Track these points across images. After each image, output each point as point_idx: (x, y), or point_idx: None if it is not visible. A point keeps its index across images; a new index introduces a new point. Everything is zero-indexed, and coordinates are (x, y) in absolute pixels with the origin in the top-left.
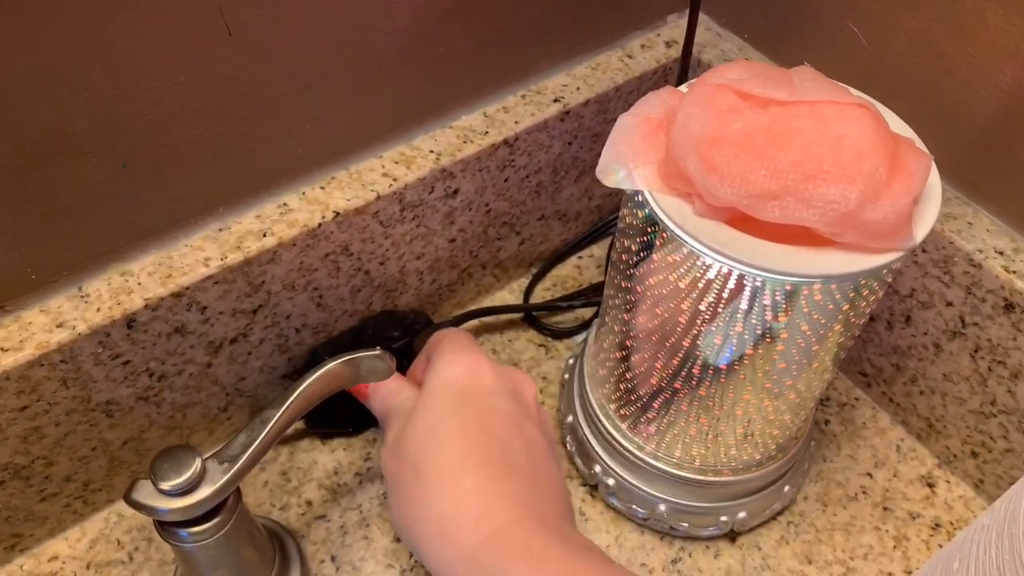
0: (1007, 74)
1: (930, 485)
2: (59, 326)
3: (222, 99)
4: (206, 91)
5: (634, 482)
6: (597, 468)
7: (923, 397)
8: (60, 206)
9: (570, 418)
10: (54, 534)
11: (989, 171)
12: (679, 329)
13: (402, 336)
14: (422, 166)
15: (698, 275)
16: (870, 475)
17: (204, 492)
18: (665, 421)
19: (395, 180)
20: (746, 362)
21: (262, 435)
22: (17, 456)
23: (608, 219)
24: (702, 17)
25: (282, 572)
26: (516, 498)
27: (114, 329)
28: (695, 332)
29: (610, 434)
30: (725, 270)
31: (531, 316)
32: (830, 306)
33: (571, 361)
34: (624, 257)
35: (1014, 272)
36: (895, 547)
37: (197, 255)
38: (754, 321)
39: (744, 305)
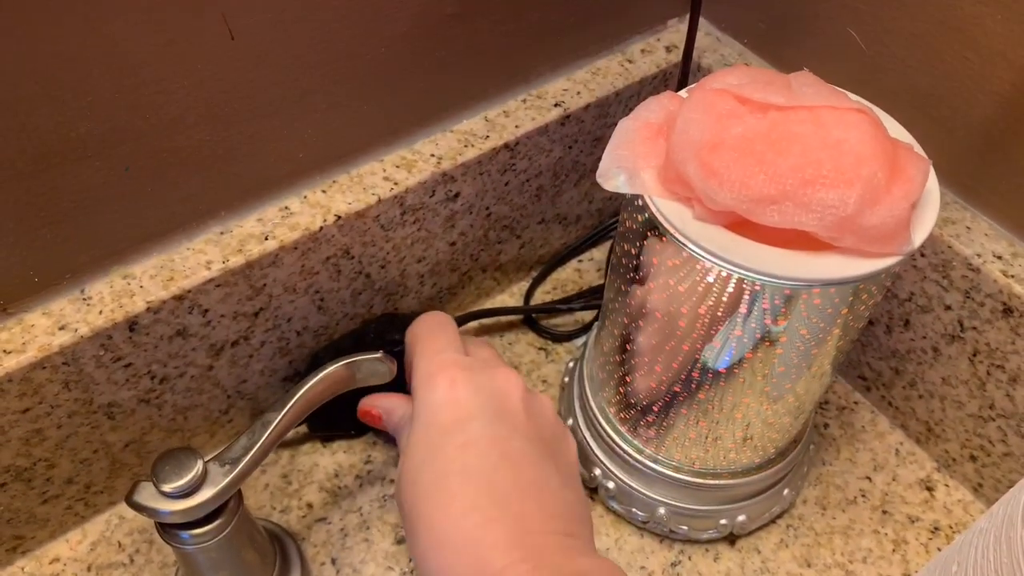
0: (1005, 79)
1: (929, 489)
2: (61, 328)
3: (224, 103)
4: (208, 95)
5: (634, 485)
6: (597, 471)
7: (922, 401)
8: (62, 209)
9: (570, 421)
10: (55, 536)
11: (987, 176)
12: (678, 333)
13: (403, 339)
14: (423, 170)
15: (697, 279)
16: (869, 479)
17: (206, 494)
18: (665, 424)
19: (396, 184)
20: (745, 366)
21: (263, 438)
22: (19, 458)
23: (608, 223)
24: (702, 22)
25: (283, 574)
26: (507, 540)
27: (116, 332)
28: (694, 336)
29: (610, 437)
30: (724, 274)
31: (531, 319)
32: (829, 310)
33: (571, 364)
34: (624, 261)
35: (1012, 276)
36: (894, 550)
37: (199, 258)
38: (753, 325)
39: (743, 309)
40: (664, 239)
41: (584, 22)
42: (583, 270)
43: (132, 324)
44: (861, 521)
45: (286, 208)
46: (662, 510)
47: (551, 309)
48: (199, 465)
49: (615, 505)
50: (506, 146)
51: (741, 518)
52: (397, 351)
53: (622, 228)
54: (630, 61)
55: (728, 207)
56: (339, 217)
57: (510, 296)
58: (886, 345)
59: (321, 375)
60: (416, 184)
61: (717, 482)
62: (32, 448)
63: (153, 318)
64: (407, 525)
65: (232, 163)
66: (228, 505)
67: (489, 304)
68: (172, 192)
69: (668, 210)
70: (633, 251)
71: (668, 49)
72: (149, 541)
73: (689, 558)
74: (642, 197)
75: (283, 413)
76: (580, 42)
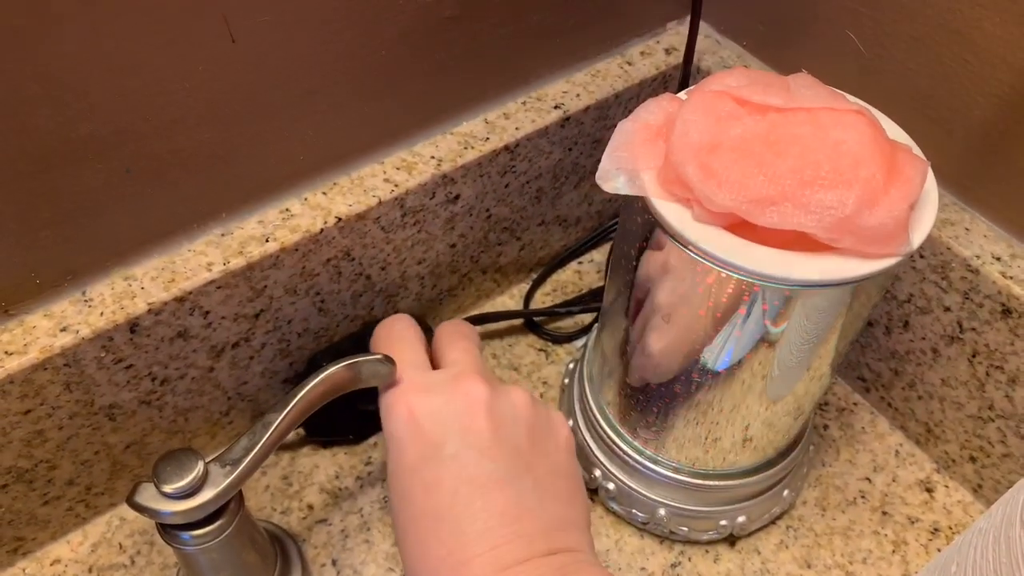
0: (1004, 81)
1: (928, 490)
2: (63, 330)
3: (225, 105)
4: (209, 97)
5: (634, 486)
6: (597, 472)
7: (921, 402)
8: (64, 211)
9: (570, 422)
10: (56, 538)
11: (986, 177)
12: (678, 334)
13: None
14: (423, 172)
15: (697, 281)
16: (869, 480)
17: (207, 495)
18: (664, 426)
19: (396, 186)
20: (745, 367)
21: (264, 439)
22: (20, 459)
23: (608, 224)
24: (701, 24)
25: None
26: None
27: (117, 333)
28: (694, 337)
29: (610, 438)
30: (724, 276)
31: (531, 321)
32: (828, 311)
33: (571, 366)
34: (623, 263)
35: (1011, 277)
36: (894, 551)
37: (200, 260)
38: (752, 326)
39: (742, 310)
40: (664, 240)
41: (583, 24)
42: (583, 272)
43: (133, 325)
44: (861, 522)
45: (287, 210)
46: (662, 511)
47: (551, 313)
48: (200, 466)
49: (615, 506)
50: (506, 148)
51: (741, 519)
52: None
53: (622, 230)
54: (629, 63)
55: (727, 208)
56: (340, 219)
57: (510, 298)
58: (885, 346)
59: (322, 376)
60: (416, 186)
61: (717, 483)
62: (33, 449)
63: (154, 319)
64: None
65: (233, 165)
66: (229, 506)
67: (489, 306)
68: (173, 194)
69: (667, 211)
70: (633, 253)
71: (667, 51)
72: (150, 542)
73: (689, 559)
74: (642, 199)
75: (284, 414)
76: (580, 44)
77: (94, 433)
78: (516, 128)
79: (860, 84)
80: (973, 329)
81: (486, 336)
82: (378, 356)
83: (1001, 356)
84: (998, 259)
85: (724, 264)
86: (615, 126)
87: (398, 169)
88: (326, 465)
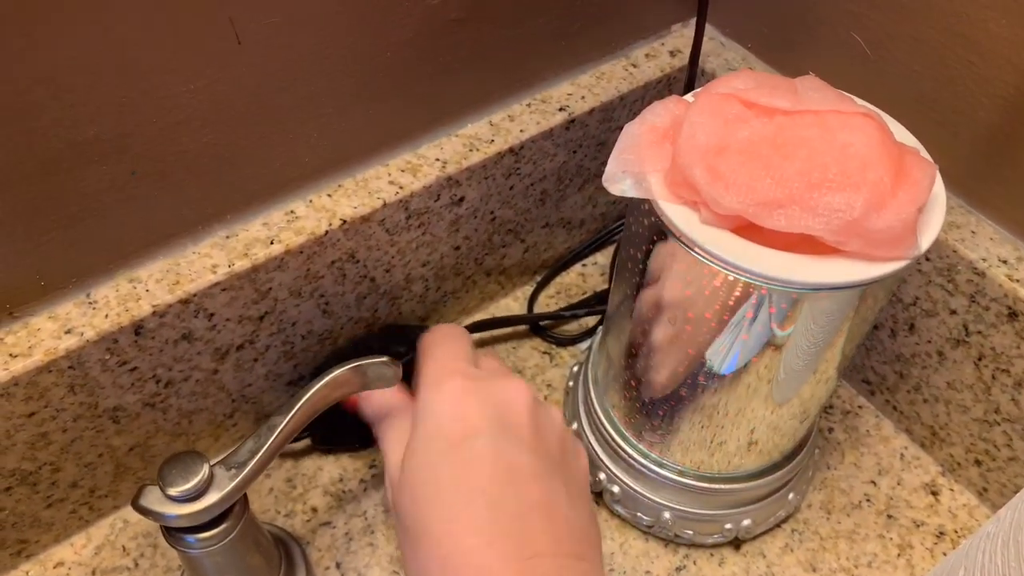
0: (1010, 83)
1: (934, 493)
2: (67, 332)
3: (230, 107)
4: (215, 99)
5: (639, 489)
6: (602, 475)
7: (927, 405)
8: (69, 213)
9: (575, 425)
10: (60, 540)
11: (993, 180)
12: (684, 337)
13: (408, 351)
14: (428, 174)
15: (703, 283)
16: (874, 483)
17: (212, 498)
18: (670, 428)
19: (401, 188)
20: (751, 370)
21: (269, 441)
22: (24, 462)
23: (612, 227)
24: (706, 26)
25: None
26: (510, 566)
27: (122, 336)
28: (700, 340)
29: (615, 441)
30: (730, 278)
31: (535, 324)
32: (835, 314)
33: (575, 368)
34: (630, 265)
35: (1018, 281)
36: (899, 555)
37: (205, 262)
38: (759, 329)
39: (749, 313)
40: (670, 243)
41: (588, 27)
42: (587, 274)
43: (138, 328)
44: (866, 525)
45: (292, 212)
46: (667, 514)
47: (556, 317)
48: (205, 469)
49: (620, 509)
50: (511, 150)
51: (746, 522)
52: (403, 362)
53: (628, 232)
54: (634, 66)
55: (734, 211)
56: (344, 221)
57: (514, 300)
58: (891, 349)
59: (327, 379)
60: (421, 188)
61: (722, 486)
62: (37, 452)
63: (159, 322)
64: (407, 536)
65: (238, 167)
66: (234, 509)
67: (493, 308)
68: (178, 196)
69: (674, 214)
70: (639, 255)
71: (672, 54)
72: (153, 545)
73: (694, 562)
74: (648, 201)
75: (289, 417)
76: (584, 47)
77: (98, 435)
78: (521, 130)
79: (866, 87)
80: (979, 332)
81: (490, 338)
82: (383, 359)
83: (1007, 359)
84: (1004, 262)
85: (731, 267)
86: (620, 128)
87: (403, 171)
88: (330, 468)
